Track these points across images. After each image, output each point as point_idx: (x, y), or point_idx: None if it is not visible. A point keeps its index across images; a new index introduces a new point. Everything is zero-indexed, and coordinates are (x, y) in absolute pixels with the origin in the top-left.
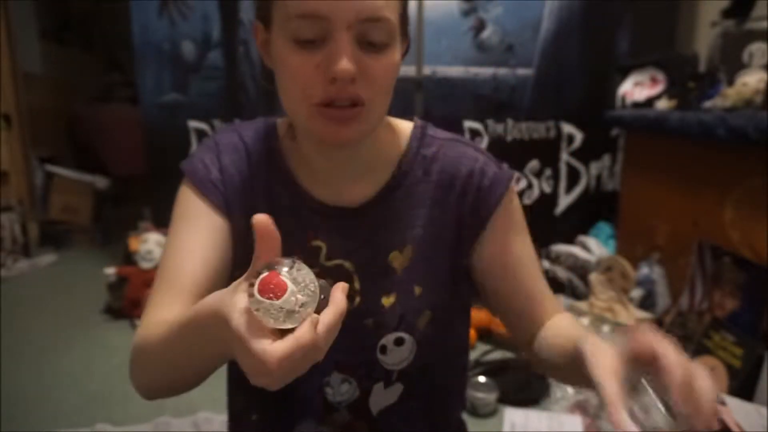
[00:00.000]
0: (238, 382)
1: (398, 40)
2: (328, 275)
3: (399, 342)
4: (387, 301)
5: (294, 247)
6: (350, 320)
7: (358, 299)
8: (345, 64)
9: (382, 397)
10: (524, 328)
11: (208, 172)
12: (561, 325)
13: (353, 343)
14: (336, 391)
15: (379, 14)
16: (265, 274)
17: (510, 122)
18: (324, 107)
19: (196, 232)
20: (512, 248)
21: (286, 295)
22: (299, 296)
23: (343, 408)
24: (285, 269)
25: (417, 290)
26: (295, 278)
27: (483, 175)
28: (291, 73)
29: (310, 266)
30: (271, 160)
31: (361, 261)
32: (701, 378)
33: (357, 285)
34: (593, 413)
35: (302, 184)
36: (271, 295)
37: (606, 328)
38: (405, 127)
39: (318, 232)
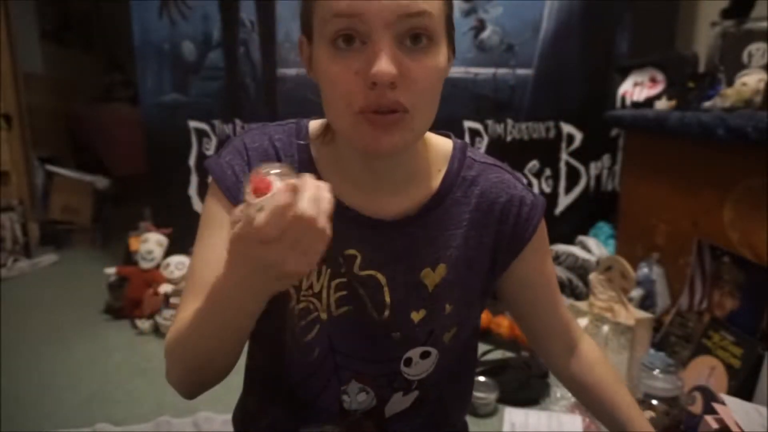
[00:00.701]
0: (254, 384)
1: (443, 42)
2: (360, 285)
3: (425, 355)
4: (416, 316)
5: (329, 254)
6: (378, 331)
7: (387, 312)
8: (384, 66)
9: (399, 403)
10: (555, 347)
11: (237, 180)
12: (602, 375)
13: (378, 354)
14: (353, 399)
15: (419, 8)
16: (254, 176)
17: (510, 122)
18: (367, 113)
19: (224, 241)
20: (543, 269)
21: (272, 191)
22: None
23: (358, 413)
24: (274, 171)
25: (448, 308)
26: (283, 178)
27: (522, 203)
28: (331, 81)
29: (344, 273)
30: (303, 165)
31: (393, 274)
32: None
33: (387, 298)
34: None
35: (340, 196)
36: (260, 194)
37: (606, 328)
38: (444, 144)
39: (353, 241)
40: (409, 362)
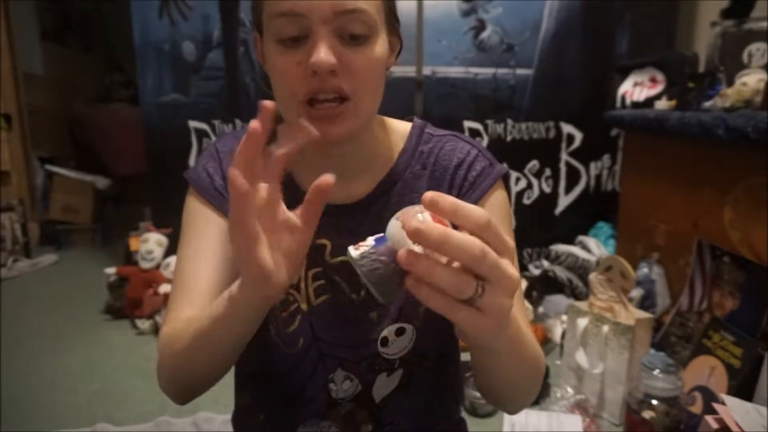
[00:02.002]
0: (245, 380)
1: (381, 35)
2: (334, 273)
3: (400, 332)
4: None
5: None
6: (357, 315)
7: (363, 292)
8: (322, 55)
9: (385, 385)
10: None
11: (212, 181)
12: None
13: (359, 337)
14: (339, 387)
15: (354, 6)
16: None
17: (510, 122)
18: (310, 107)
19: (205, 239)
20: None
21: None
22: None
23: (346, 402)
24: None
25: None
26: None
27: (471, 167)
28: (278, 74)
29: (315, 264)
30: None
31: None
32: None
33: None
34: (593, 413)
35: (301, 185)
36: None
37: (606, 328)
38: (403, 126)
39: (321, 231)
40: (385, 341)
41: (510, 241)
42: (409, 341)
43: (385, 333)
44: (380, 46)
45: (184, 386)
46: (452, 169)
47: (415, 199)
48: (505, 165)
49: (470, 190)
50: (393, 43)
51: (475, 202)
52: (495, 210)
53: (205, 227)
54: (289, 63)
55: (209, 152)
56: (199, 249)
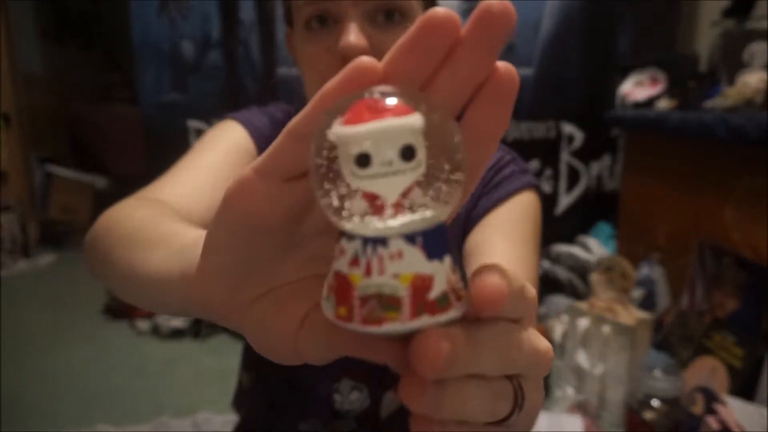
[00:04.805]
0: (250, 361)
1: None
2: None
3: None
4: None
5: None
6: None
7: None
8: (352, 38)
9: (392, 403)
10: None
11: (260, 126)
12: None
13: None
14: (345, 399)
15: None
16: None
17: (510, 122)
18: None
19: (220, 159)
20: (491, 249)
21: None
22: None
23: (350, 417)
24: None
25: None
26: None
27: (500, 171)
28: (307, 62)
29: None
30: None
31: None
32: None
33: None
34: (593, 413)
35: None
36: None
37: (606, 329)
38: None
39: None
40: None
41: (531, 289)
42: None
43: None
44: None
45: (94, 265)
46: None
47: None
48: (536, 179)
49: (494, 189)
50: None
51: (498, 201)
52: (518, 212)
53: (228, 147)
54: (319, 50)
55: (259, 110)
56: (207, 165)
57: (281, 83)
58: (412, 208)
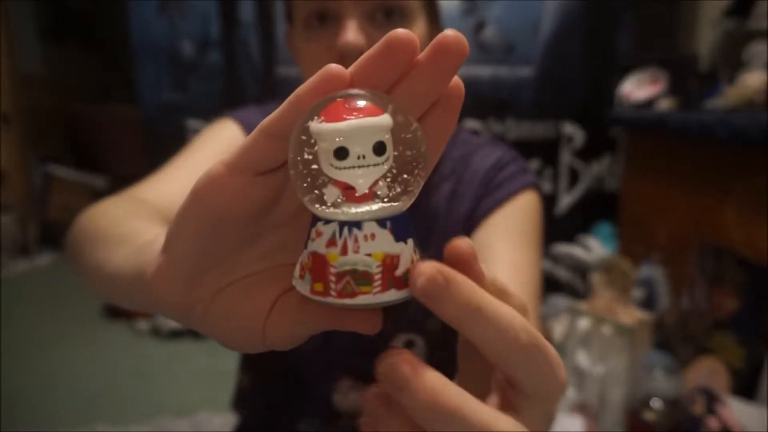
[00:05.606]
0: (249, 362)
1: (419, 20)
2: None
3: (409, 345)
4: None
5: None
6: None
7: None
8: (350, 36)
9: None
10: None
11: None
12: None
13: (369, 345)
14: (345, 398)
15: None
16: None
17: (510, 121)
18: None
19: (216, 158)
20: (494, 251)
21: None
22: None
23: (350, 417)
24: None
25: None
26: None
27: (501, 170)
28: (307, 60)
29: None
30: None
31: None
32: None
33: None
34: (593, 414)
35: None
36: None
37: (607, 329)
38: None
39: None
40: None
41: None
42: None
43: (393, 344)
44: (418, 30)
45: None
46: (482, 172)
47: (437, 203)
48: (536, 178)
49: (495, 190)
50: (433, 34)
51: (499, 201)
52: (519, 213)
53: (222, 149)
54: (318, 48)
55: (258, 108)
56: (199, 164)
57: (281, 83)
58: (381, 197)
